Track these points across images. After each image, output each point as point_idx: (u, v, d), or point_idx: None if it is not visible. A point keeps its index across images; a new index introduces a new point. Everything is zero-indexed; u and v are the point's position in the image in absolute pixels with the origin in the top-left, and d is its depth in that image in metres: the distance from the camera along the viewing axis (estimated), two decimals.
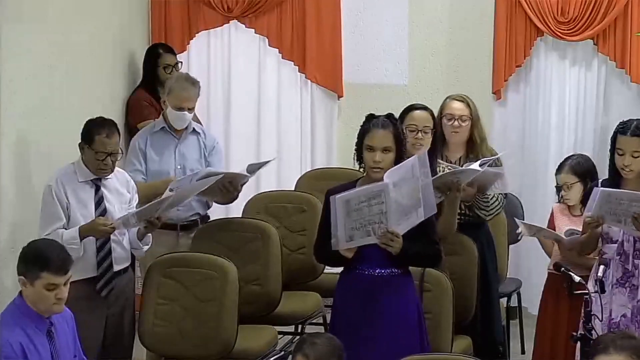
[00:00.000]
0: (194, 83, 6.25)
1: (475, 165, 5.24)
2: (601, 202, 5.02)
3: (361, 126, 4.82)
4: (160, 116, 6.32)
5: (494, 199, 5.69)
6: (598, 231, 5.21)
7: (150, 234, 5.53)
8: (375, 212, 4.54)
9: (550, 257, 5.96)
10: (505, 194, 5.77)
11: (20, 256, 4.53)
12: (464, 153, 5.76)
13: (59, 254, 4.47)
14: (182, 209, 6.09)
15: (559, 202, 5.95)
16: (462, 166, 5.58)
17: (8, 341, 4.30)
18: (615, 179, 5.18)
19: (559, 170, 5.89)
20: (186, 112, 6.15)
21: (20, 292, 4.49)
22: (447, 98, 5.85)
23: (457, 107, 5.75)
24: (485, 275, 5.79)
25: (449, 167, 5.49)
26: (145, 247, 5.55)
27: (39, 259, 4.41)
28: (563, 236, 5.66)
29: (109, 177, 5.46)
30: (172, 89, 6.15)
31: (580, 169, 5.84)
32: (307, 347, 3.94)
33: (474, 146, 5.75)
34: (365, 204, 4.53)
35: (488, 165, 5.34)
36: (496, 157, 5.49)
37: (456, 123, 5.71)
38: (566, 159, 5.97)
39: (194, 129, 6.27)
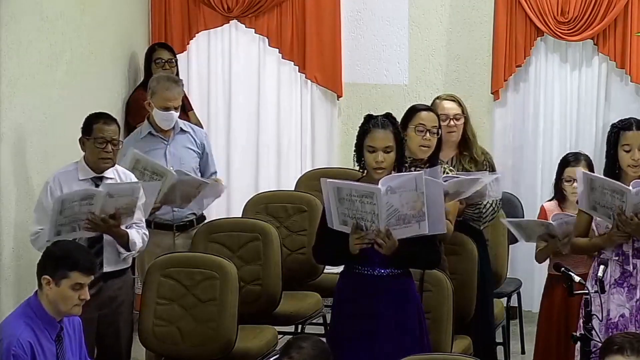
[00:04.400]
0: (177, 81, 6.26)
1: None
2: (587, 189, 5.03)
3: (360, 127, 4.81)
4: (145, 120, 6.30)
5: (488, 206, 5.67)
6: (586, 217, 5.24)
7: (138, 242, 5.43)
8: (367, 211, 4.54)
9: (538, 261, 5.97)
10: (500, 198, 5.74)
11: (46, 256, 4.56)
12: (457, 152, 5.76)
13: (88, 255, 4.56)
14: (177, 208, 6.09)
15: (556, 198, 5.94)
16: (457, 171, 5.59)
17: (19, 339, 4.33)
18: (613, 178, 5.16)
19: (574, 162, 5.83)
20: (172, 112, 6.15)
21: (36, 293, 4.50)
22: (436, 99, 5.85)
23: (450, 106, 5.75)
24: (481, 276, 5.78)
25: (451, 168, 5.49)
26: (128, 254, 5.44)
27: (69, 259, 4.45)
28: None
29: (111, 177, 5.43)
30: (155, 90, 6.15)
31: (591, 166, 5.85)
32: (293, 351, 3.94)
33: (467, 144, 5.75)
34: (357, 198, 4.53)
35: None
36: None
37: (451, 122, 5.71)
38: (574, 154, 5.95)
39: (181, 128, 6.27)
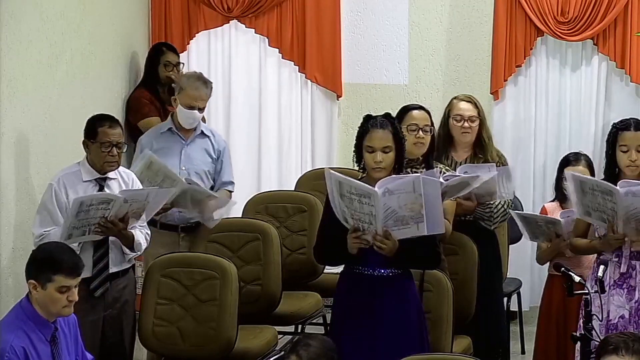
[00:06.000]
0: (206, 83, 6.24)
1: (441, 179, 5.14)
2: (577, 191, 5.03)
3: (359, 127, 4.81)
4: (169, 117, 6.31)
5: (499, 206, 5.67)
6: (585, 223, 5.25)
7: (142, 242, 5.46)
8: (365, 212, 4.54)
9: (540, 263, 5.97)
10: (512, 199, 5.75)
11: (31, 260, 4.55)
12: (471, 153, 5.76)
13: (71, 257, 4.53)
14: (183, 210, 6.09)
15: (557, 198, 5.94)
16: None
17: (12, 345, 4.32)
18: (612, 178, 5.16)
19: (575, 162, 5.83)
20: (196, 111, 6.16)
21: (27, 296, 4.49)
22: (453, 98, 5.85)
23: (466, 107, 5.75)
24: (489, 275, 5.78)
25: (446, 169, 5.49)
26: (133, 254, 5.48)
27: (52, 261, 4.45)
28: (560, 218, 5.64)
29: (113, 177, 5.44)
30: (184, 87, 6.15)
31: (591, 166, 5.85)
32: (300, 349, 3.94)
33: (482, 146, 5.75)
34: (356, 197, 4.53)
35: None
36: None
37: (466, 124, 5.71)
38: (574, 154, 5.96)
39: (202, 131, 6.26)
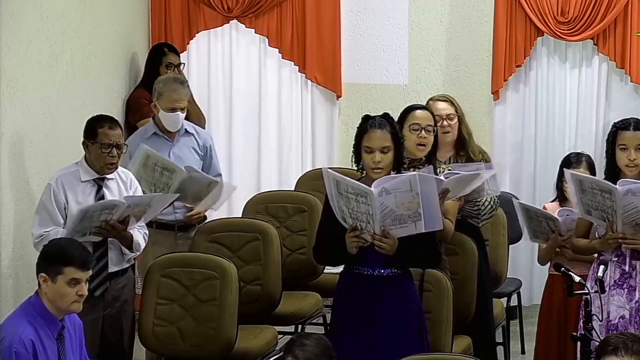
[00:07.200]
0: (183, 83, 6.28)
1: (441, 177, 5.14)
2: (578, 192, 5.03)
3: (358, 127, 4.81)
4: (151, 121, 6.32)
5: (486, 203, 5.66)
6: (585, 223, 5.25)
7: (141, 242, 5.48)
8: (362, 211, 4.54)
9: (541, 263, 5.96)
10: (498, 195, 5.74)
11: (42, 254, 4.59)
12: (454, 152, 5.76)
13: (82, 251, 4.57)
14: (179, 210, 6.10)
15: (557, 198, 5.94)
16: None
17: (21, 337, 4.34)
18: (613, 178, 5.16)
19: (576, 164, 5.84)
20: (179, 113, 6.17)
21: (37, 292, 4.51)
22: (429, 100, 5.83)
23: (443, 107, 5.73)
24: (480, 274, 5.77)
25: (449, 169, 5.48)
26: (132, 254, 5.50)
27: (62, 255, 4.48)
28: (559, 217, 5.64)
29: (111, 177, 5.44)
30: (162, 92, 6.17)
31: (592, 166, 5.85)
32: (296, 348, 3.92)
33: (464, 143, 5.74)
34: (352, 196, 4.53)
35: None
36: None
37: (445, 123, 5.70)
38: (576, 155, 5.96)
39: (186, 129, 6.28)
